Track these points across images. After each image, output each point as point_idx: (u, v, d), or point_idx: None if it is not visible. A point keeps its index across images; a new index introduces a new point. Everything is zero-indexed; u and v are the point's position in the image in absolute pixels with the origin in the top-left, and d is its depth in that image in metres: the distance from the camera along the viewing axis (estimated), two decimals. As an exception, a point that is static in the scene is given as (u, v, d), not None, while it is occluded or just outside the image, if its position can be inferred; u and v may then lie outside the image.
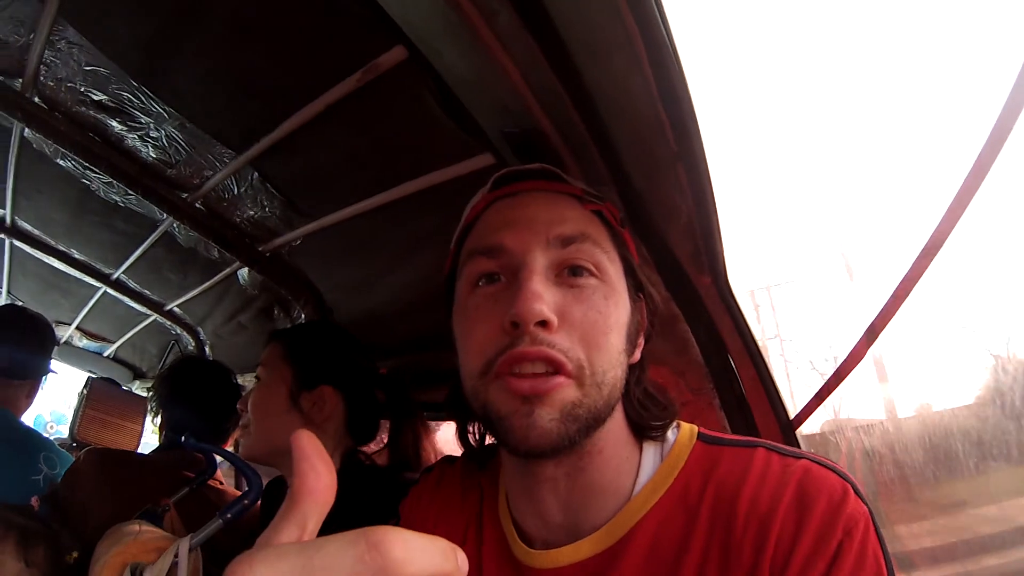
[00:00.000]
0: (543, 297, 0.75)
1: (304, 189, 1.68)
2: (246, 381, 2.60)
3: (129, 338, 3.60)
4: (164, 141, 1.66)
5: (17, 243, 2.63)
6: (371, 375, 1.64)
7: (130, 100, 1.53)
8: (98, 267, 2.68)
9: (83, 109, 1.63)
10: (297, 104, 1.34)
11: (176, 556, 1.29)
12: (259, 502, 1.52)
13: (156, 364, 3.77)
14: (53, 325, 3.73)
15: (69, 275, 2.81)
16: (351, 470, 1.49)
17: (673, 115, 0.94)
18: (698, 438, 0.85)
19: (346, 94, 1.24)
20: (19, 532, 1.45)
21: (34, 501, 1.64)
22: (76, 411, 3.20)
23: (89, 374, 3.86)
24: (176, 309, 2.92)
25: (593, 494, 0.83)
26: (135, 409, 3.18)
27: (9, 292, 3.42)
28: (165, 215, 1.99)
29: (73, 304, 3.32)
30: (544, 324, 0.75)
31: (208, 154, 1.67)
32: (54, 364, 4.10)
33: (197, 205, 1.92)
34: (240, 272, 2.24)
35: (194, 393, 2.11)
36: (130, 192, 1.87)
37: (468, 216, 0.93)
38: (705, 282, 1.20)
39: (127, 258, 2.48)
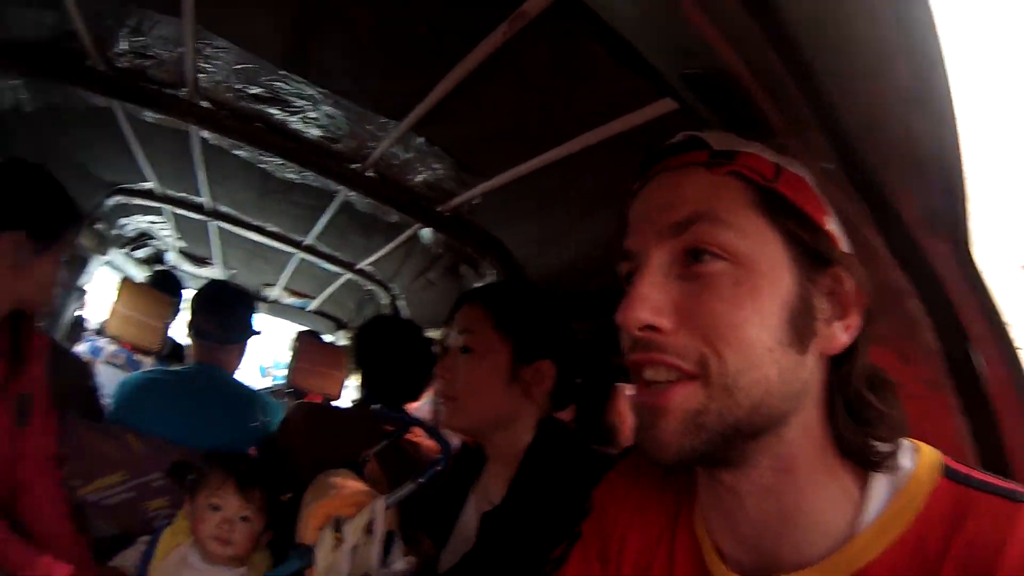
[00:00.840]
0: (645, 300, 0.68)
1: (472, 149, 1.61)
2: (438, 337, 2.63)
3: (328, 294, 3.86)
4: (324, 120, 1.66)
5: (220, 223, 2.90)
6: (578, 342, 1.53)
7: (282, 88, 1.55)
8: (291, 236, 2.88)
9: (244, 103, 1.68)
10: (446, 66, 1.24)
11: (373, 512, 1.36)
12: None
13: (355, 316, 4.02)
14: (262, 287, 4.13)
15: (268, 245, 3.05)
16: (550, 438, 1.40)
17: (903, 40, 0.71)
18: (943, 472, 0.66)
19: (496, 48, 1.12)
20: (238, 475, 1.65)
21: (252, 451, 1.83)
22: (290, 362, 3.50)
23: (299, 328, 4.19)
24: (367, 268, 3.04)
25: (791, 522, 0.69)
26: (338, 359, 3.42)
27: (223, 260, 3.79)
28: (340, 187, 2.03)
29: (275, 268, 3.61)
30: (654, 328, 0.68)
31: (369, 125, 1.64)
32: (267, 321, 4.56)
33: (368, 174, 1.91)
34: (422, 232, 2.24)
35: (387, 351, 2.17)
36: (303, 169, 1.91)
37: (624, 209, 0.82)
38: (942, 249, 0.94)
39: (314, 226, 2.61)
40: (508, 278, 2.00)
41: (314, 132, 1.76)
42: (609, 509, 0.92)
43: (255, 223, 2.86)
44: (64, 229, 1.58)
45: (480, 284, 2.23)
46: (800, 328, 0.67)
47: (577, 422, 1.51)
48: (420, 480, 1.42)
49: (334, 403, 3.43)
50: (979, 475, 0.65)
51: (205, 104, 1.73)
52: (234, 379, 2.31)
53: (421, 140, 1.62)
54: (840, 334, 0.70)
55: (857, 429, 0.69)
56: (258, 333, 2.47)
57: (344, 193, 2.12)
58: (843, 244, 0.73)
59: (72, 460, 1.79)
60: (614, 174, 1.27)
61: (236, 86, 1.62)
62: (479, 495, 1.48)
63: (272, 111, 1.69)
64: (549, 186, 1.55)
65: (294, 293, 4.15)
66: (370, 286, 3.24)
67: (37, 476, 1.63)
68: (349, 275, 3.19)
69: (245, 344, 2.40)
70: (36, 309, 1.60)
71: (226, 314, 2.28)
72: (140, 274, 4.02)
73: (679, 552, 0.81)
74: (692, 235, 0.68)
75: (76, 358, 2.10)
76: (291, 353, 3.52)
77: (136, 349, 3.15)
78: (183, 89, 1.68)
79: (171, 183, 2.64)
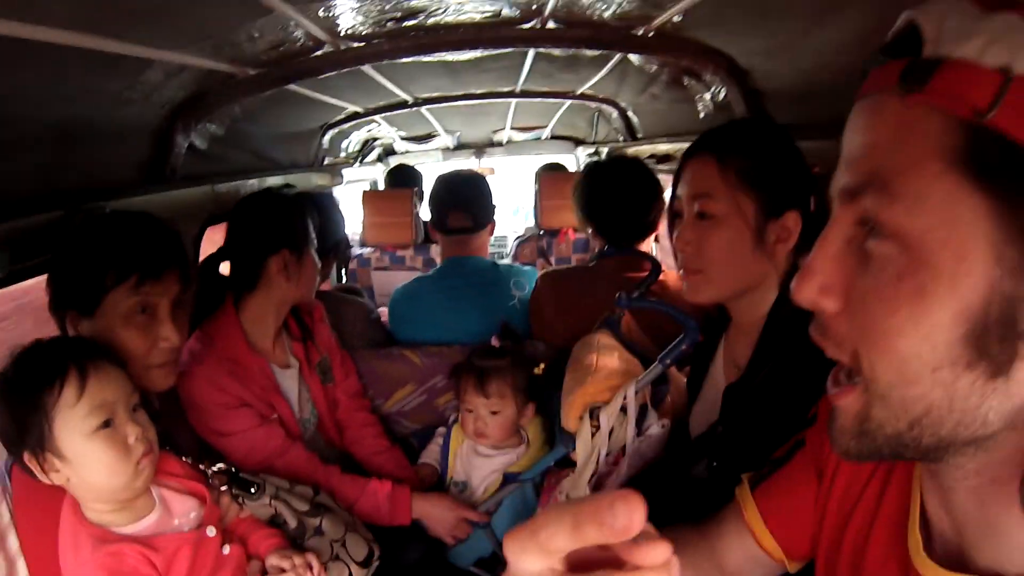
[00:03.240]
0: (814, 276, 0.57)
1: None
2: (675, 152, 2.42)
3: (557, 120, 3.77)
4: (476, 3, 1.47)
5: (426, 106, 2.92)
6: (816, 179, 1.30)
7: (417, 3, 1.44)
8: (499, 90, 2.76)
9: (391, 27, 1.61)
10: None
11: (625, 398, 1.46)
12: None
13: (589, 131, 3.89)
14: (492, 134, 4.09)
15: (482, 104, 2.99)
16: (791, 305, 1.24)
17: None
18: None
19: None
20: (476, 372, 1.87)
21: (494, 340, 1.95)
22: (535, 205, 3.50)
23: (540, 163, 4.14)
24: (586, 91, 2.84)
25: (991, 531, 0.58)
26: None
27: (445, 129, 3.83)
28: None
29: (498, 116, 3.59)
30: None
31: None
32: (506, 160, 4.62)
33: (549, 26, 1.67)
34: (629, 56, 1.98)
35: (611, 194, 2.14)
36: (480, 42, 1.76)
37: None
38: None
39: (518, 79, 2.48)
40: (736, 90, 1.70)
41: (470, 16, 1.58)
42: (824, 438, 0.85)
43: (459, 94, 2.80)
44: (310, 236, 1.82)
45: (706, 121, 1.99)
46: (992, 346, 0.48)
47: None
48: (667, 361, 1.46)
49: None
50: None
51: (356, 45, 1.66)
52: (485, 264, 2.35)
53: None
54: None
55: None
56: (495, 207, 2.45)
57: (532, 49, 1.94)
58: None
59: (371, 386, 2.15)
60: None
61: (371, 30, 1.55)
62: (726, 354, 1.45)
63: (419, 20, 1.56)
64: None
65: (523, 129, 4.10)
66: (596, 104, 3.06)
67: (351, 412, 2.02)
68: (571, 101, 3.04)
69: (494, 223, 2.41)
70: (309, 299, 1.94)
71: (463, 206, 2.29)
72: (379, 174, 4.26)
73: (888, 498, 0.73)
74: (864, 207, 0.53)
75: (351, 302, 2.30)
76: (534, 195, 3.52)
77: (396, 247, 3.36)
78: (327, 46, 1.62)
79: (369, 99, 2.69)
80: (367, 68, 1.90)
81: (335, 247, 2.43)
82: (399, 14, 1.47)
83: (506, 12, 1.55)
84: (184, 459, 1.37)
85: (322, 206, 2.38)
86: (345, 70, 1.78)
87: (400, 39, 1.67)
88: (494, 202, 2.40)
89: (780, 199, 1.22)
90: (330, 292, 2.33)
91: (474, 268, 2.30)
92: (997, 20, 0.47)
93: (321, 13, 1.38)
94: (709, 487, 1.31)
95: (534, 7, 1.52)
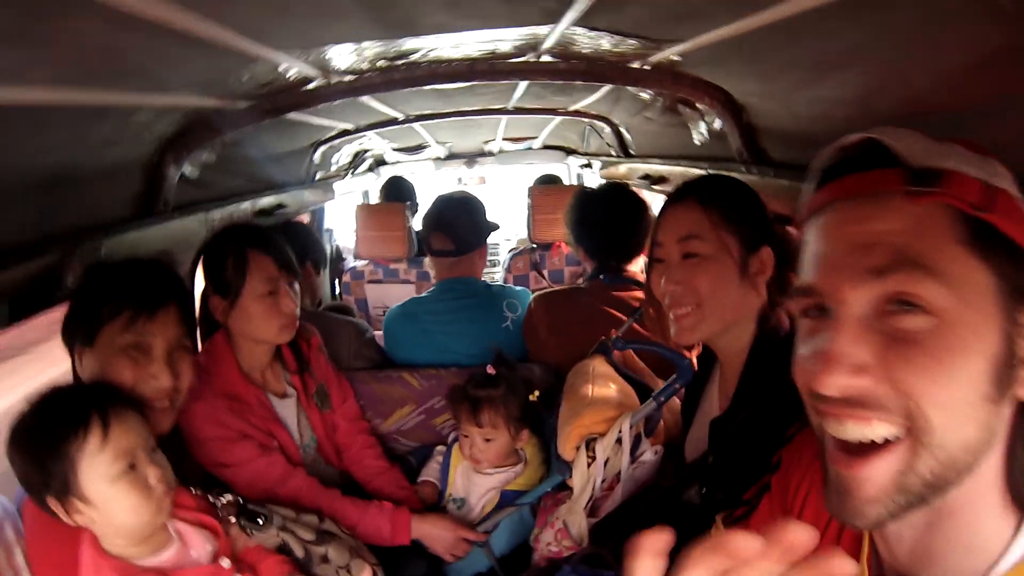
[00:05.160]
0: (845, 360, 0.62)
1: (652, 23, 1.29)
2: (669, 174, 2.44)
3: (548, 132, 3.76)
4: (468, 42, 1.45)
5: (418, 122, 2.89)
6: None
7: (407, 46, 1.44)
8: (491, 107, 2.75)
9: (383, 63, 1.60)
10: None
11: (620, 431, 1.56)
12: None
13: (580, 142, 3.88)
14: (483, 144, 4.09)
15: (474, 120, 2.98)
16: (770, 337, 1.35)
17: None
18: None
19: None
20: (471, 401, 1.94)
21: (489, 369, 1.97)
22: (528, 219, 3.51)
23: (532, 175, 4.14)
24: (579, 108, 2.82)
25: (933, 555, 0.68)
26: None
27: (436, 141, 3.81)
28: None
29: (489, 129, 3.57)
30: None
31: (522, 30, 1.40)
32: (495, 169, 4.62)
33: (544, 59, 1.68)
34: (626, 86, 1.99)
35: (599, 219, 2.25)
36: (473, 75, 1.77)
37: (802, 216, 0.76)
38: None
39: (511, 98, 2.46)
40: (732, 122, 1.71)
41: (464, 52, 1.58)
42: (794, 471, 0.93)
43: (451, 111, 2.79)
44: (242, 282, 1.74)
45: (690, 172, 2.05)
46: (1002, 379, 0.61)
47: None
48: (660, 399, 1.59)
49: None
50: None
51: (348, 79, 1.66)
52: (478, 285, 2.38)
53: (590, 30, 1.35)
54: None
55: None
56: (496, 228, 2.48)
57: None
58: None
59: (369, 407, 2.24)
60: (844, 40, 1.05)
61: (364, 66, 1.55)
62: (720, 384, 1.51)
63: (412, 60, 1.58)
64: (766, 46, 1.22)
65: (515, 140, 4.11)
66: (589, 119, 3.05)
67: (351, 435, 2.06)
68: (562, 117, 3.03)
69: (485, 246, 2.43)
70: (274, 339, 1.84)
71: (445, 229, 2.33)
72: (372, 185, 4.25)
73: (847, 532, 0.81)
74: (894, 283, 0.61)
75: (344, 323, 2.33)
76: (528, 211, 3.52)
77: (389, 261, 3.37)
78: (318, 80, 1.62)
79: (360, 118, 2.67)
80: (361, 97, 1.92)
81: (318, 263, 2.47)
82: (392, 55, 1.48)
83: (501, 48, 1.56)
84: (193, 490, 1.42)
85: (294, 232, 2.42)
86: (336, 101, 1.80)
87: (393, 72, 1.68)
88: (487, 227, 2.40)
89: (756, 235, 1.35)
90: (322, 312, 2.34)
91: (467, 290, 2.32)
92: (955, 148, 0.64)
93: (312, 58, 1.39)
94: (700, 512, 1.36)
95: (529, 45, 1.53)
